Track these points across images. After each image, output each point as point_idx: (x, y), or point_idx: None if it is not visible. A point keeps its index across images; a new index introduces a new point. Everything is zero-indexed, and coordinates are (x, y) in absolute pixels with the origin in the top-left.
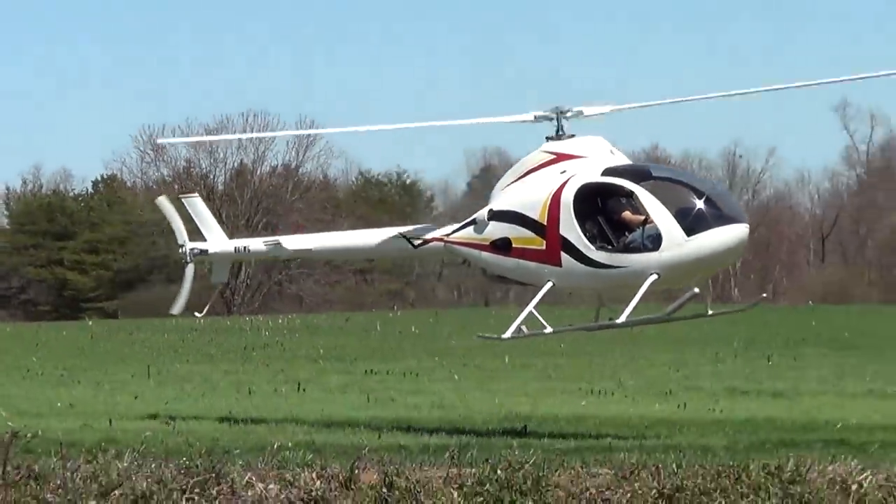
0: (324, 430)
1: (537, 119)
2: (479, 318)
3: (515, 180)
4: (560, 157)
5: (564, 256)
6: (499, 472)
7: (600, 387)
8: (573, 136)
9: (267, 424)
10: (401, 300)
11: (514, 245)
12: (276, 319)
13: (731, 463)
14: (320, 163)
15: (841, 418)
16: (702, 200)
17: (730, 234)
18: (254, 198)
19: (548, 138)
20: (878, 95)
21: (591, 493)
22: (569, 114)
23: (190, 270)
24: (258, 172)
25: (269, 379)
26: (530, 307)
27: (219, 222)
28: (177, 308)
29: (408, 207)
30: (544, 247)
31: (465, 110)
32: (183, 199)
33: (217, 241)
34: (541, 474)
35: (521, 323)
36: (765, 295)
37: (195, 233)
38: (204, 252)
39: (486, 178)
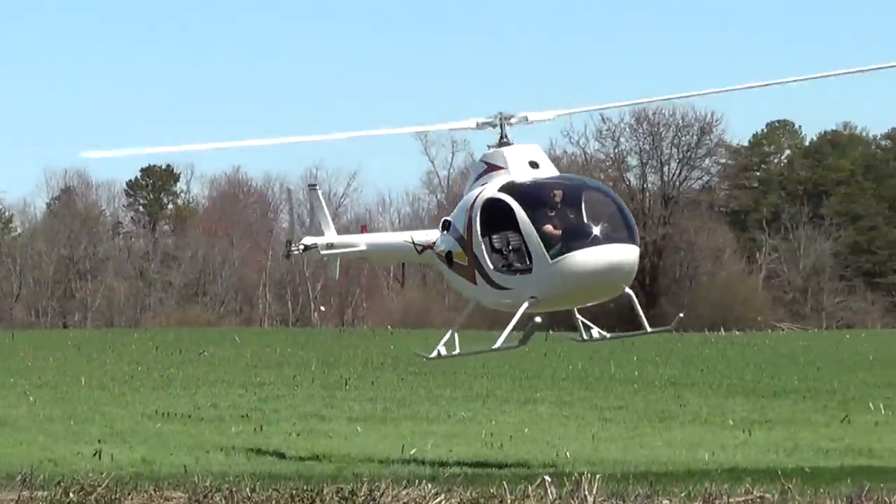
0: None
1: (479, 126)
2: (58, 340)
3: (468, 189)
4: (489, 168)
5: (477, 274)
6: (71, 494)
7: (177, 409)
8: (507, 144)
9: None
10: None
11: (453, 259)
12: None
13: (305, 487)
14: None
15: (420, 443)
16: (579, 220)
17: (600, 257)
18: None
19: (489, 146)
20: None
21: None
22: (513, 120)
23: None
24: None
25: None
26: (455, 327)
27: None
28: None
29: None
30: (467, 263)
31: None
32: (311, 190)
33: (328, 237)
34: (113, 497)
35: (444, 343)
36: (681, 315)
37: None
38: (309, 248)
39: (66, 200)
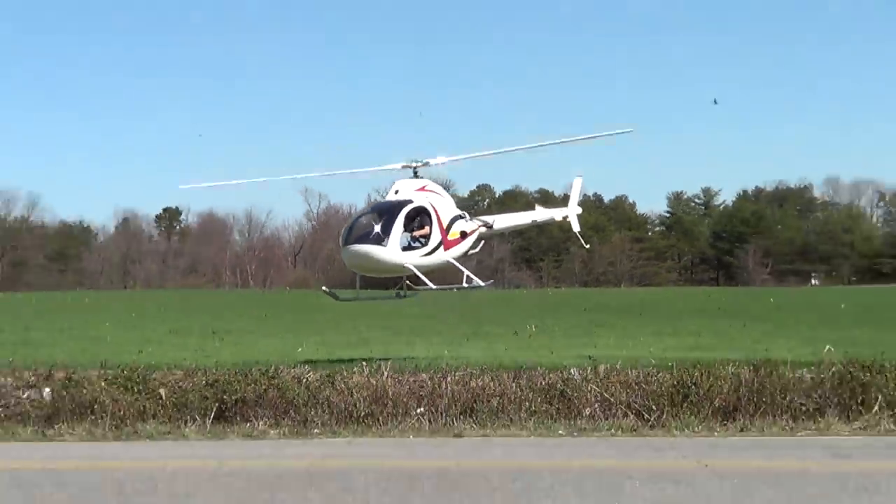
0: None
1: (403, 167)
2: None
3: None
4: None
5: None
6: None
7: None
8: (408, 178)
9: None
10: None
11: None
12: None
13: None
14: None
15: None
16: (349, 228)
17: (346, 252)
18: None
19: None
20: None
21: None
22: (422, 163)
23: None
24: None
25: None
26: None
27: None
28: None
29: None
30: None
31: None
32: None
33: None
34: None
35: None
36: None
37: None
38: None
39: None
